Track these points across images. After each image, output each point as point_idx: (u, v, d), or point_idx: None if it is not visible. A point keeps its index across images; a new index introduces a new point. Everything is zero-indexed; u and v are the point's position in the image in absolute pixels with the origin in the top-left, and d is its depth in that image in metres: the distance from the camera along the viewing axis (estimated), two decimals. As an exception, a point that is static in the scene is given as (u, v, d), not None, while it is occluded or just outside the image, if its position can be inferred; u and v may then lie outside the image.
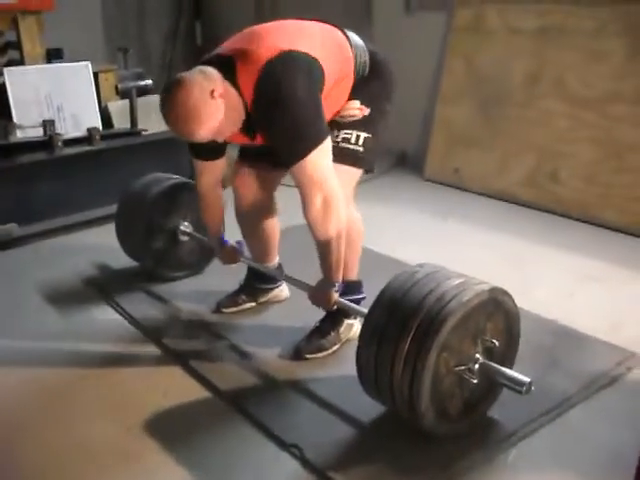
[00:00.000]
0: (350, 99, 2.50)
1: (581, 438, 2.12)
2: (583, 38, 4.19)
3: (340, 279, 2.44)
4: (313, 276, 2.49)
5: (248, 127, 2.38)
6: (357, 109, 2.49)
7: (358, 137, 2.47)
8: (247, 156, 2.72)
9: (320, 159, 2.25)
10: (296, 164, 2.23)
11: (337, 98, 2.45)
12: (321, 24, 2.49)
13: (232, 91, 2.25)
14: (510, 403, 2.16)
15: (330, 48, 2.38)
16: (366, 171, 2.59)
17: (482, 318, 2.05)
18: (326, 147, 2.27)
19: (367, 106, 2.50)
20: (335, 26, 2.51)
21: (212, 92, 2.19)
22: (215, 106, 2.21)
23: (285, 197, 2.80)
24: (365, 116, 2.49)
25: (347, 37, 2.49)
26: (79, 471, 2.06)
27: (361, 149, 2.47)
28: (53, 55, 4.84)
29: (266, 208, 2.81)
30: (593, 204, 4.05)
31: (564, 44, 4.29)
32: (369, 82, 2.53)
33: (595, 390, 2.34)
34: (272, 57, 2.20)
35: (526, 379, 1.99)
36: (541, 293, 3.10)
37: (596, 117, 4.12)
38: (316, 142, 2.23)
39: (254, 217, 2.80)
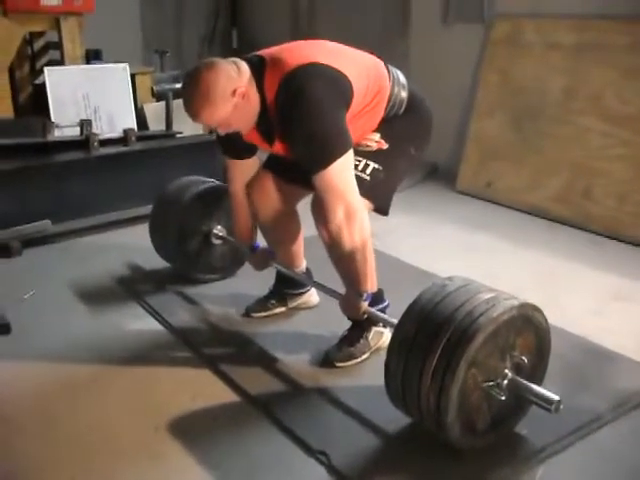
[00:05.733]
0: (374, 132, 2.51)
1: (610, 458, 2.10)
2: (620, 54, 4.17)
3: (368, 289, 2.45)
4: (342, 283, 2.51)
5: (267, 132, 2.40)
6: (374, 141, 2.50)
7: (367, 165, 2.45)
8: (272, 166, 2.71)
9: (343, 169, 2.27)
10: (319, 172, 2.24)
11: (362, 127, 2.45)
12: (364, 52, 2.52)
13: (254, 92, 2.31)
14: (539, 420, 2.14)
15: (365, 73, 2.41)
16: (377, 211, 2.56)
17: (512, 333, 2.03)
18: (349, 158, 2.28)
19: (387, 142, 2.50)
20: (380, 58, 2.54)
21: (235, 90, 2.25)
22: (231, 102, 2.26)
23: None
24: (381, 149, 2.49)
25: (388, 70, 2.51)
26: (104, 467, 2.09)
27: (367, 177, 2.44)
28: (92, 56, 4.93)
29: (286, 218, 2.79)
30: (626, 222, 4.01)
31: (601, 60, 4.26)
32: (398, 120, 2.54)
33: (625, 410, 2.31)
34: (300, 65, 2.25)
35: (555, 397, 1.97)
36: (571, 310, 3.08)
37: (632, 134, 4.09)
38: (340, 151, 2.24)
39: (274, 226, 2.80)
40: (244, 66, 2.31)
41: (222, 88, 2.24)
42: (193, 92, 2.27)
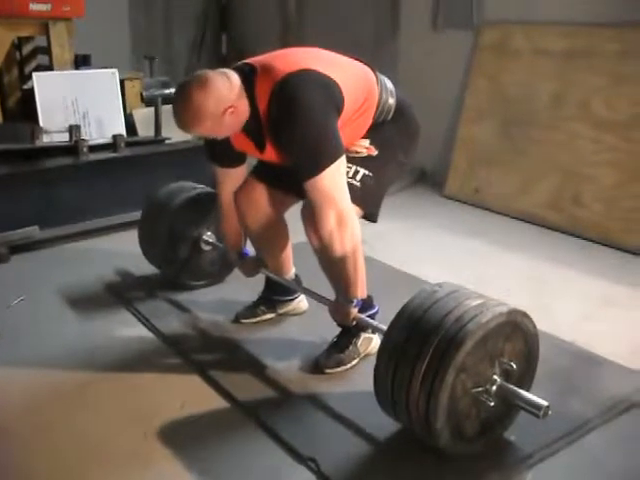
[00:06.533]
0: (363, 138, 2.53)
1: (598, 464, 2.11)
2: (609, 61, 4.19)
3: (358, 295, 2.45)
4: (331, 289, 2.51)
5: (258, 138, 2.41)
6: (364, 147, 2.51)
7: (357, 172, 2.46)
8: (261, 174, 2.71)
9: (335, 175, 2.27)
10: (311, 179, 2.24)
11: (351, 133, 2.46)
12: (352, 59, 2.53)
13: (244, 105, 2.31)
14: (527, 425, 2.15)
15: (354, 79, 2.42)
16: (366, 218, 2.58)
17: (500, 340, 2.04)
18: (341, 164, 2.29)
19: (376, 148, 2.51)
20: (367, 65, 2.55)
21: (226, 109, 2.26)
22: (222, 119, 2.28)
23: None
24: (371, 156, 2.50)
25: (376, 76, 2.52)
26: (93, 474, 2.08)
27: (358, 184, 2.44)
28: (81, 61, 4.90)
29: (274, 225, 2.79)
30: (615, 228, 4.03)
31: (590, 66, 4.29)
32: (387, 126, 2.55)
33: (613, 415, 2.32)
34: (291, 72, 2.25)
35: (544, 402, 1.99)
36: (560, 316, 3.09)
37: (620, 141, 4.11)
38: (332, 157, 2.24)
39: (262, 233, 2.79)
40: (235, 78, 2.31)
41: (212, 108, 2.24)
42: (183, 109, 2.27)
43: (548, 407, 1.98)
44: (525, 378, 2.16)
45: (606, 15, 4.22)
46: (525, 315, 2.08)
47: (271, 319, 2.99)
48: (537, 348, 2.16)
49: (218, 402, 2.42)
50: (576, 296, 3.34)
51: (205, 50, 7.23)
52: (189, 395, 2.46)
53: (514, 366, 2.06)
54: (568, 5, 4.41)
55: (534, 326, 2.11)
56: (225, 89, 2.26)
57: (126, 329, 2.95)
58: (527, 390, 2.12)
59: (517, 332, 2.08)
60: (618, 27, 4.17)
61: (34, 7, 4.34)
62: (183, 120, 2.29)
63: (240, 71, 2.35)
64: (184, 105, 2.26)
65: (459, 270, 3.53)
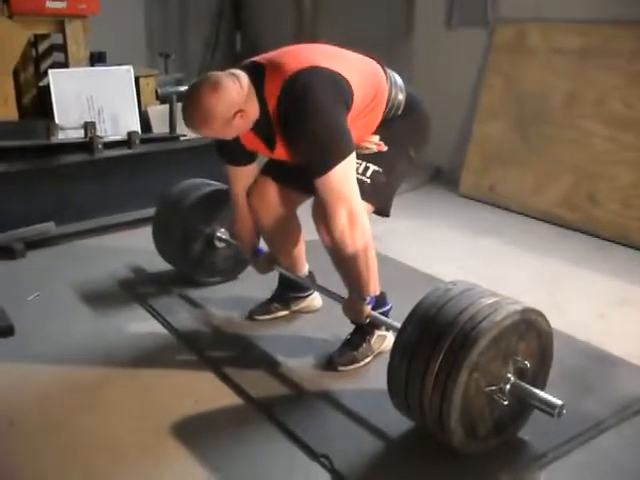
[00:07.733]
0: (373, 134, 2.52)
1: (612, 463, 2.10)
2: (624, 59, 4.17)
3: (371, 292, 2.45)
4: (345, 286, 2.51)
5: (268, 137, 2.41)
6: (374, 144, 2.50)
7: (367, 168, 2.46)
8: (272, 171, 2.71)
9: (346, 172, 2.27)
10: (322, 176, 2.24)
11: (361, 129, 2.45)
12: (361, 55, 2.52)
13: (253, 106, 2.31)
14: (541, 424, 2.15)
15: (363, 75, 2.41)
16: (378, 213, 2.58)
17: (514, 338, 2.03)
18: (352, 161, 2.29)
19: (387, 144, 2.50)
20: (377, 61, 2.54)
21: (236, 113, 2.26)
22: (231, 122, 2.28)
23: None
24: (381, 152, 2.49)
25: (385, 72, 2.51)
26: (107, 470, 2.08)
27: (368, 180, 2.44)
28: (96, 58, 4.93)
29: (286, 222, 2.78)
30: (631, 227, 4.01)
31: (605, 64, 4.26)
32: (397, 122, 2.54)
33: (628, 415, 2.31)
34: (300, 69, 2.25)
35: (558, 402, 1.97)
36: (575, 314, 3.08)
37: (636, 139, 4.08)
38: (342, 154, 2.24)
39: (275, 231, 2.79)
40: (244, 79, 2.30)
41: (222, 112, 2.25)
42: (193, 111, 2.28)
43: (563, 406, 1.97)
44: (539, 377, 2.15)
45: (621, 13, 4.19)
46: (539, 314, 2.07)
47: (285, 316, 2.99)
48: (551, 347, 2.15)
49: (231, 399, 2.43)
50: (591, 295, 3.33)
51: (219, 48, 7.24)
52: (202, 392, 2.47)
53: (528, 365, 2.05)
54: (582, 3, 4.39)
55: (548, 325, 2.10)
56: (235, 93, 2.26)
57: (140, 325, 2.96)
58: (541, 389, 2.10)
59: (531, 331, 2.07)
60: (633, 25, 4.14)
61: (50, 5, 4.38)
62: (192, 121, 2.30)
63: (249, 70, 2.35)
64: (194, 107, 2.27)
65: (473, 268, 3.52)
